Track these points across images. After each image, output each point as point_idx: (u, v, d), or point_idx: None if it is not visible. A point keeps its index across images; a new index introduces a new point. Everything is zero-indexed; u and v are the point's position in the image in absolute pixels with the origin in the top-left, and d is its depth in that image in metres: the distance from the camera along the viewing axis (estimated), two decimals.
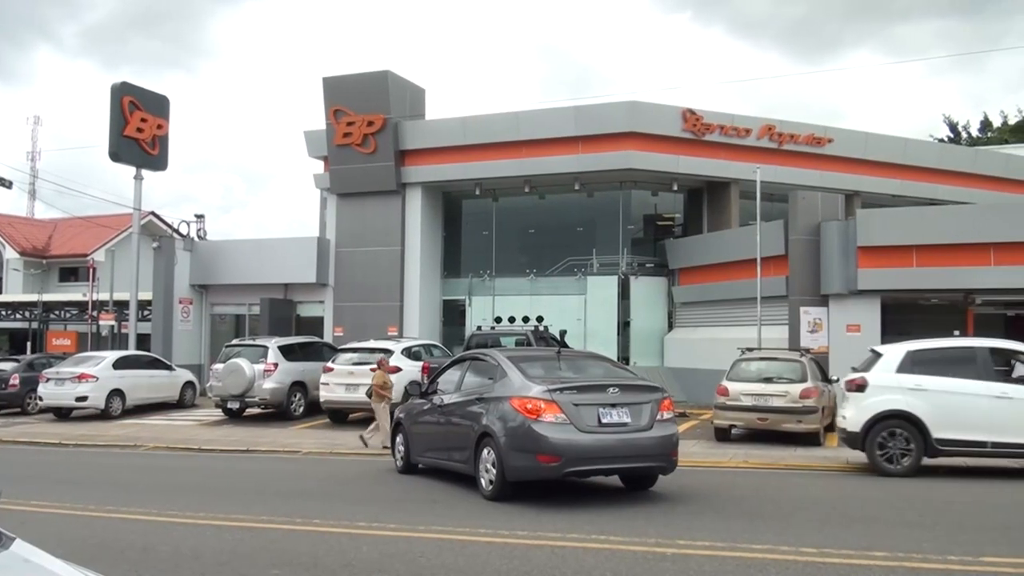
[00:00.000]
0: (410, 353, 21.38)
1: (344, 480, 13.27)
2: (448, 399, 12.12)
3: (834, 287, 21.62)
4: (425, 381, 15.70)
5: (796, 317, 21.91)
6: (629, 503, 10.57)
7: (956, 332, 20.59)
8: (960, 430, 12.77)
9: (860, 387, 13.40)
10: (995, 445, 12.70)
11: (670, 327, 28.44)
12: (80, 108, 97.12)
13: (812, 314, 21.83)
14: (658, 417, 10.64)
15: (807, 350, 19.28)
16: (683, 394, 25.99)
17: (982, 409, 12.67)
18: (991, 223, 20.84)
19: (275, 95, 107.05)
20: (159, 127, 29.60)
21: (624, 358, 27.60)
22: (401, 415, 13.61)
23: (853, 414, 13.37)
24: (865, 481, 12.44)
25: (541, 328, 22.28)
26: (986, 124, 51.60)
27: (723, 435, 17.31)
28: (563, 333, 23.25)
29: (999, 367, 13.28)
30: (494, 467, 10.54)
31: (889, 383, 13.17)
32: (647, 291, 28.44)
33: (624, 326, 28.10)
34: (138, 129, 28.84)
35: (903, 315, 21.75)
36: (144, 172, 29.43)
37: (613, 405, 10.42)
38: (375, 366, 17.80)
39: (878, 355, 13.90)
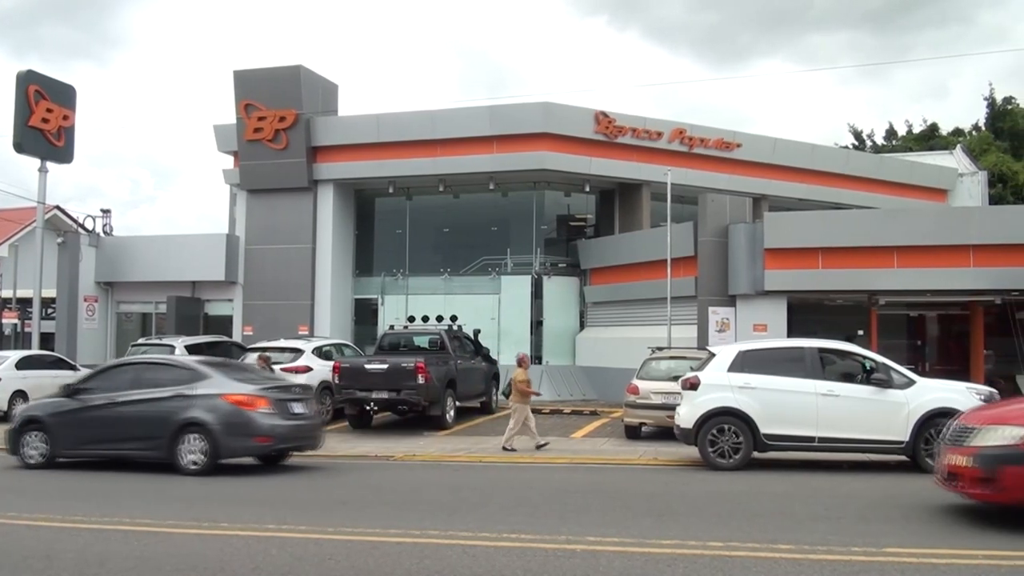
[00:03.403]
0: (321, 352, 21.18)
1: (254, 482, 13.09)
2: (124, 397, 13.71)
3: (741, 288, 22.08)
4: (336, 380, 19.05)
5: (704, 317, 22.29)
6: (544, 502, 10.69)
7: (860, 332, 21.31)
8: (788, 426, 13.29)
9: (693, 386, 13.82)
10: (822, 440, 13.26)
11: (582, 326, 28.71)
12: None
13: (720, 314, 22.25)
14: (315, 410, 14.84)
15: None
16: (594, 392, 26.31)
17: (809, 406, 13.18)
18: (894, 227, 21.49)
19: (186, 87, 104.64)
20: (65, 118, 28.67)
21: (537, 357, 27.77)
22: (37, 414, 14.45)
23: (686, 411, 13.79)
24: (772, 476, 12.76)
25: (455, 328, 22.20)
26: (891, 133, 52.97)
27: (633, 433, 17.59)
28: (477, 332, 23.20)
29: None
30: (203, 447, 12.97)
31: (720, 382, 13.61)
32: (559, 291, 28.66)
33: (537, 325, 28.28)
34: (43, 119, 27.87)
35: (809, 315, 22.32)
36: (49, 164, 28.41)
37: (296, 400, 13.89)
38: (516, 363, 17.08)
39: (712, 355, 14.35)
